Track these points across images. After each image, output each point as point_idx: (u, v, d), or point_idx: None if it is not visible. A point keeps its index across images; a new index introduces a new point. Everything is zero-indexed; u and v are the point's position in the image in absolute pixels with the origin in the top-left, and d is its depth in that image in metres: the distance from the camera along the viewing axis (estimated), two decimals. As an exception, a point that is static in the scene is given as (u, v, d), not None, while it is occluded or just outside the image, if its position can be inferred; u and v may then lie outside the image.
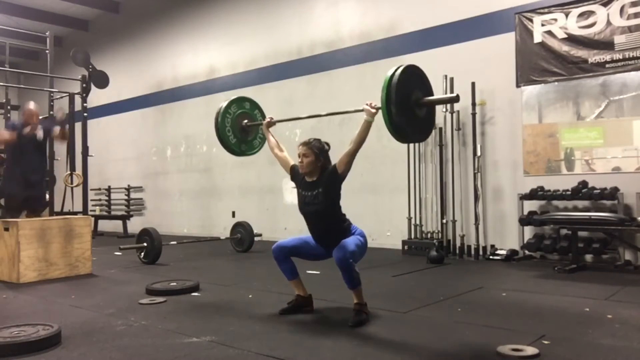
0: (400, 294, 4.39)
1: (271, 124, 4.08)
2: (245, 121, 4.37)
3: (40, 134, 5.91)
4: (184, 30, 10.88)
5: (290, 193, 8.90)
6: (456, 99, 3.36)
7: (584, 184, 5.80)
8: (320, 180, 3.55)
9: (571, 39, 6.11)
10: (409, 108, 3.26)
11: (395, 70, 3.26)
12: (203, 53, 10.50)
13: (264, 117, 4.44)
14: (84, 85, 9.77)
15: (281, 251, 3.66)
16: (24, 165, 5.85)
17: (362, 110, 3.46)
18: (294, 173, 3.73)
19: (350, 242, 3.44)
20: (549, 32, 6.26)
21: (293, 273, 3.73)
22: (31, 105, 6.01)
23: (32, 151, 5.89)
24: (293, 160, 3.77)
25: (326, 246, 3.60)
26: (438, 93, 6.78)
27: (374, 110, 3.39)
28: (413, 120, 3.31)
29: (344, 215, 3.63)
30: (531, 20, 6.38)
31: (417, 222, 7.13)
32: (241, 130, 4.36)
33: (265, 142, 4.29)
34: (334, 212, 3.57)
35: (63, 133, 6.05)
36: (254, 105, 4.53)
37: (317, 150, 3.54)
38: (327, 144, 3.65)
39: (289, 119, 4.49)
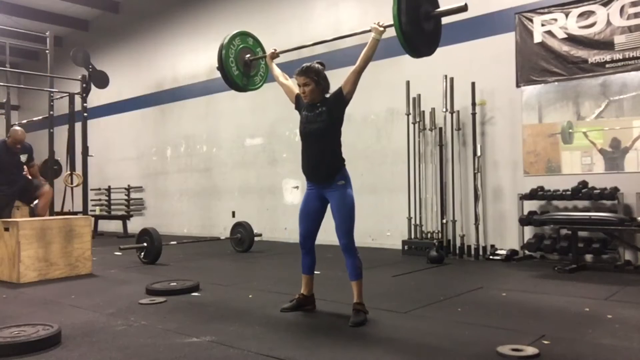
0: (400, 294, 4.39)
1: (275, 55, 4.18)
2: (248, 55, 4.39)
3: (23, 158, 6.69)
4: (184, 30, 10.88)
5: (290, 193, 8.90)
6: (464, 7, 3.37)
7: (584, 184, 5.80)
8: (325, 101, 3.57)
9: (571, 39, 6.12)
10: (418, 20, 3.34)
11: None
12: (203, 53, 10.49)
13: (264, 51, 4.47)
14: (84, 85, 9.77)
15: (306, 242, 3.68)
16: (7, 174, 6.55)
17: (369, 31, 3.54)
18: (298, 100, 3.73)
19: (345, 213, 3.44)
20: (549, 32, 6.26)
21: (310, 269, 3.74)
22: (17, 130, 6.60)
23: (14, 167, 6.67)
24: (297, 88, 3.74)
25: (316, 179, 3.55)
26: (438, 93, 6.83)
27: (381, 29, 3.48)
28: (422, 32, 3.39)
29: (341, 147, 3.59)
30: (531, 20, 6.38)
31: (417, 222, 7.12)
32: (244, 64, 4.38)
33: (266, 79, 4.38)
34: (334, 135, 3.56)
35: (34, 171, 6.98)
36: (257, 41, 4.56)
37: (315, 76, 3.55)
38: (321, 63, 3.65)
39: (293, 48, 4.50)
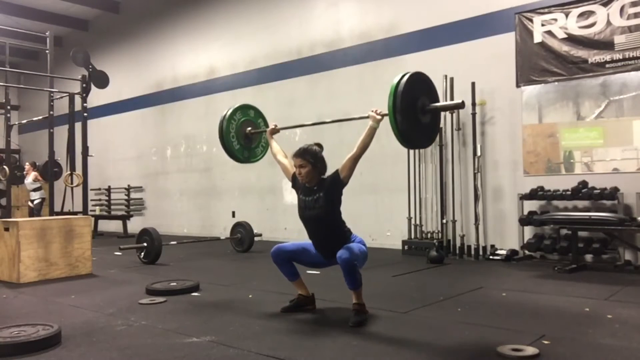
0: (400, 294, 4.39)
1: (275, 131, 4.10)
2: (249, 129, 4.39)
3: None
4: (184, 30, 10.88)
5: (290, 193, 8.90)
6: (461, 105, 3.37)
7: (584, 184, 5.80)
8: (321, 185, 3.54)
9: (571, 39, 6.11)
10: (415, 115, 3.27)
11: (402, 77, 3.26)
12: (203, 53, 10.50)
13: (267, 125, 4.45)
14: (84, 85, 9.77)
15: (279, 255, 3.66)
16: None
17: (367, 117, 3.47)
18: (295, 180, 3.71)
19: (354, 246, 3.44)
20: (549, 32, 6.26)
21: (294, 274, 3.74)
22: None
23: None
24: (294, 168, 3.75)
25: (326, 254, 3.58)
26: (439, 93, 6.81)
27: (379, 117, 3.43)
28: (418, 126, 3.32)
29: (344, 223, 3.62)
30: (531, 20, 6.38)
31: (417, 222, 7.13)
32: (245, 137, 4.38)
33: (268, 150, 4.32)
34: (334, 217, 3.55)
35: None
36: (258, 113, 4.56)
37: (312, 159, 3.52)
38: (319, 145, 3.63)
39: (293, 126, 4.49)
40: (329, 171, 3.61)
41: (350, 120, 4.11)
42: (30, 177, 10.42)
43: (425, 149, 2.96)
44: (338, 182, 3.49)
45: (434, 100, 3.43)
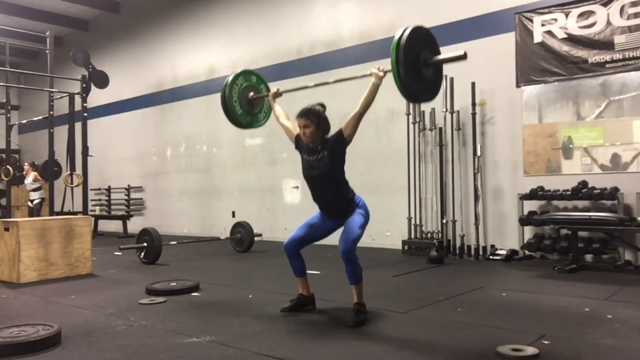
0: (400, 294, 4.39)
1: (277, 94, 4.13)
2: (252, 94, 4.39)
3: None
4: (184, 30, 10.88)
5: (290, 193, 8.90)
6: (463, 56, 3.35)
7: (584, 184, 5.80)
8: (325, 144, 3.55)
9: (571, 39, 6.11)
10: (417, 68, 3.28)
11: (404, 31, 3.25)
12: (203, 53, 10.50)
13: (269, 91, 4.46)
14: (84, 85, 9.78)
15: (293, 246, 3.66)
16: None
17: (370, 75, 3.47)
18: (299, 141, 3.72)
19: (354, 225, 3.44)
20: (549, 32, 6.26)
21: (301, 271, 3.74)
22: None
23: None
24: (297, 129, 3.72)
25: (331, 213, 3.59)
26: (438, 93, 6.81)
27: (381, 74, 3.42)
28: (421, 79, 3.33)
29: (348, 183, 3.61)
30: (531, 20, 6.38)
31: (417, 222, 7.12)
32: (247, 102, 4.38)
33: (270, 115, 4.36)
34: (338, 176, 3.55)
35: None
36: (260, 79, 4.55)
37: (315, 119, 3.54)
38: (322, 105, 3.64)
39: (295, 89, 4.49)
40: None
41: (355, 79, 4.10)
42: (30, 177, 10.42)
43: (430, 100, 2.90)
44: (342, 141, 3.50)
45: (436, 54, 3.44)
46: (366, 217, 3.55)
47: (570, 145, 6.10)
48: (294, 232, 3.69)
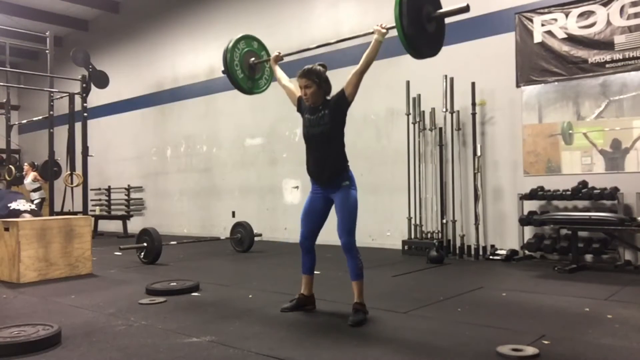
0: (400, 294, 4.39)
1: (278, 58, 4.14)
2: (253, 59, 4.39)
3: None
4: (184, 30, 10.88)
5: (290, 193, 8.90)
6: (466, 8, 3.34)
7: (584, 184, 5.80)
8: (326, 104, 3.56)
9: (571, 39, 6.11)
10: (420, 22, 3.30)
11: None
12: (203, 53, 10.50)
13: (269, 56, 4.44)
14: (84, 85, 9.78)
15: (308, 240, 3.69)
16: None
17: (372, 33, 3.47)
18: (300, 103, 3.73)
19: (348, 212, 3.45)
20: (549, 32, 6.26)
21: (310, 269, 3.75)
22: None
23: None
24: (299, 91, 3.74)
25: (322, 179, 3.55)
26: (438, 93, 6.83)
27: (384, 30, 3.43)
28: (424, 34, 3.35)
29: (345, 149, 3.60)
30: (531, 20, 6.38)
31: (417, 222, 7.12)
32: (249, 67, 4.39)
33: (271, 82, 4.39)
34: (338, 137, 3.54)
35: None
36: (261, 45, 4.55)
37: (317, 79, 3.54)
38: (323, 66, 3.65)
39: (296, 51, 4.48)
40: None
41: (354, 38, 4.11)
42: (30, 177, 10.42)
43: (434, 56, 2.91)
44: (343, 99, 3.50)
45: (438, 8, 3.46)
46: (356, 197, 3.54)
47: (570, 131, 6.09)
48: (301, 228, 3.70)
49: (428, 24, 3.37)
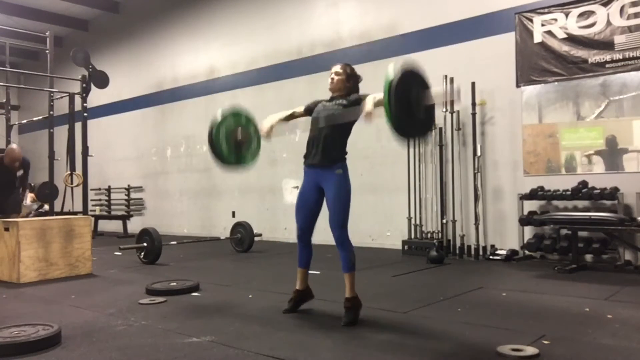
0: (400, 294, 4.39)
1: (270, 132, 3.92)
2: (240, 134, 4.30)
3: (20, 172, 6.52)
4: (184, 30, 10.88)
5: (290, 193, 8.90)
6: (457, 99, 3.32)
7: (584, 184, 5.80)
8: (346, 98, 3.60)
9: (571, 39, 6.11)
10: (409, 109, 3.24)
11: (395, 73, 3.22)
12: (203, 53, 10.50)
13: (257, 130, 4.29)
14: (84, 85, 9.77)
15: (305, 233, 3.69)
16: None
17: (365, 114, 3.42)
18: (309, 108, 3.74)
19: (339, 206, 3.45)
20: (549, 32, 6.26)
21: (306, 262, 3.74)
22: (14, 148, 6.43)
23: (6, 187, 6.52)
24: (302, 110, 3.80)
25: (316, 159, 3.53)
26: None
27: (372, 117, 3.33)
28: (413, 120, 3.28)
29: (346, 146, 3.60)
30: (531, 20, 6.38)
31: (417, 222, 7.12)
32: (235, 143, 4.28)
33: (257, 156, 4.35)
34: (346, 127, 3.56)
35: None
36: (248, 119, 4.44)
37: (349, 71, 3.65)
38: (360, 77, 3.73)
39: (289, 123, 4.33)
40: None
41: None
42: (28, 199, 10.44)
43: (425, 151, 2.98)
44: (358, 106, 3.45)
45: (428, 94, 3.39)
46: (349, 189, 3.53)
47: (574, 164, 6.09)
48: (297, 222, 3.70)
49: (417, 110, 3.24)
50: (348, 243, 3.48)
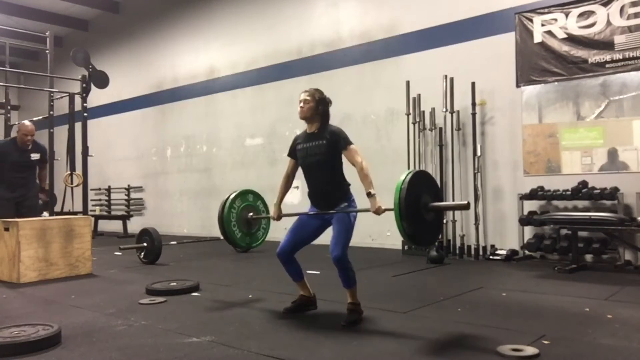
0: (400, 294, 4.39)
1: (280, 216, 4.00)
2: (251, 214, 4.30)
3: (35, 156, 5.99)
4: (184, 30, 10.88)
5: (290, 193, 8.88)
6: (466, 206, 3.33)
7: (584, 184, 5.80)
8: (323, 134, 3.54)
9: (571, 39, 6.11)
10: (419, 214, 3.24)
11: (405, 177, 3.24)
12: (203, 53, 10.50)
13: (266, 207, 4.39)
14: (84, 85, 9.77)
15: (285, 253, 3.66)
16: (10, 175, 5.89)
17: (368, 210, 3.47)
18: (294, 144, 3.71)
19: (343, 228, 3.44)
20: (549, 32, 6.26)
21: (298, 275, 3.73)
22: (27, 124, 6.07)
23: (22, 166, 5.94)
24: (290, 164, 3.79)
25: (323, 204, 3.56)
26: (438, 93, 6.82)
27: (380, 212, 3.44)
28: (422, 224, 3.28)
29: (343, 174, 3.60)
30: (531, 20, 6.38)
31: (417, 222, 7.11)
32: (246, 223, 4.30)
33: (268, 231, 4.39)
34: (336, 163, 3.55)
35: (42, 175, 6.26)
36: (256, 196, 4.47)
37: (318, 97, 3.56)
38: (329, 100, 3.64)
39: (295, 214, 4.32)
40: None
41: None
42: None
43: (432, 245, 3.14)
44: (338, 146, 3.47)
45: (437, 199, 3.41)
46: (355, 217, 3.56)
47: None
48: (284, 239, 3.69)
49: (426, 214, 3.29)
50: (347, 262, 3.42)
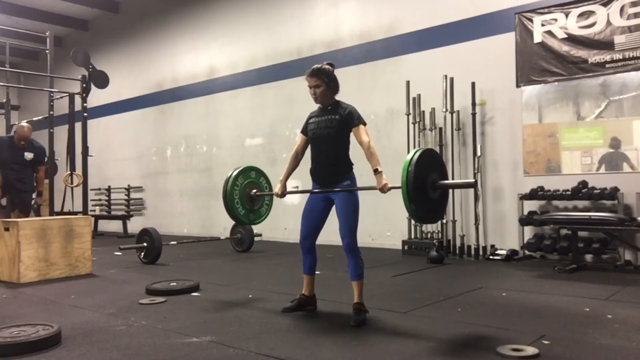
0: (400, 294, 4.39)
1: (283, 193, 4.00)
2: (254, 191, 4.32)
3: (29, 156, 6.65)
4: (184, 30, 10.88)
5: (290, 194, 8.89)
6: (473, 184, 3.37)
7: (584, 184, 5.80)
8: (336, 108, 3.55)
9: (571, 39, 6.11)
10: (425, 193, 3.25)
11: (414, 154, 3.25)
12: (203, 53, 10.50)
13: (269, 183, 4.43)
14: (84, 85, 9.77)
15: (306, 239, 3.69)
16: (6, 174, 6.59)
17: (375, 188, 3.50)
18: (307, 120, 3.70)
19: (348, 213, 3.47)
20: (549, 32, 6.26)
21: (311, 269, 3.74)
22: (23, 126, 6.67)
23: (15, 163, 6.62)
24: (301, 139, 3.76)
25: (324, 178, 3.56)
26: (438, 93, 6.83)
27: (386, 190, 3.46)
28: (428, 201, 3.29)
29: (348, 152, 3.60)
30: (531, 20, 6.38)
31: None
32: (249, 200, 4.33)
33: (272, 207, 4.49)
34: (344, 141, 3.56)
35: (39, 177, 6.91)
36: (259, 172, 4.51)
37: (326, 78, 3.54)
38: (331, 64, 3.62)
39: (300, 191, 4.29)
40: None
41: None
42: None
43: (436, 222, 3.17)
44: (349, 124, 3.49)
45: (443, 177, 3.41)
46: (357, 195, 3.57)
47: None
48: (302, 227, 3.70)
49: (432, 192, 3.30)
50: (357, 251, 3.47)
